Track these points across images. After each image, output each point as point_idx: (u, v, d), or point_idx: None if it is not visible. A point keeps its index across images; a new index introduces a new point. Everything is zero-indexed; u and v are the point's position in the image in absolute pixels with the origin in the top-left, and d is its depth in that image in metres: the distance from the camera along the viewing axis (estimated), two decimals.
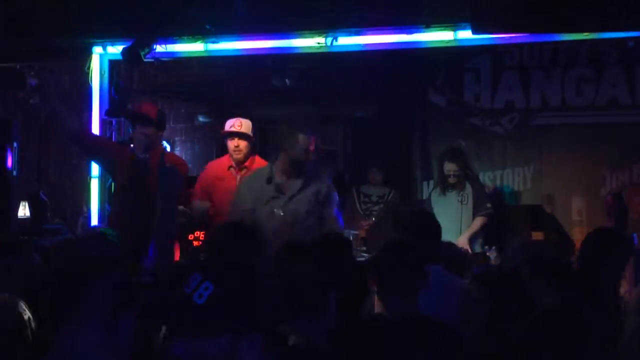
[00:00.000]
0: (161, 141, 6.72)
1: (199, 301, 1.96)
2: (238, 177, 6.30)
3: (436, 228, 4.36)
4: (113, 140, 7.56)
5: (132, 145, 6.48)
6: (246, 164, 6.35)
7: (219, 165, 6.53)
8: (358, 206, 8.17)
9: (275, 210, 5.40)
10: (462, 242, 6.84)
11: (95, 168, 7.69)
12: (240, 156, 6.32)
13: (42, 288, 1.95)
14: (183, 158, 10.16)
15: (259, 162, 6.33)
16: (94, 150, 6.48)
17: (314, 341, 2.43)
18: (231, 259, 2.11)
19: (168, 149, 10.07)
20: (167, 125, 10.37)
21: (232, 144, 6.35)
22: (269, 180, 5.48)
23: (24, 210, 7.83)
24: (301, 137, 5.45)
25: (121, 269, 1.98)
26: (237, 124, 6.33)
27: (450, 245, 5.07)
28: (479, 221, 7.20)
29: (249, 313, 1.95)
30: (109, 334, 1.93)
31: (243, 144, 6.33)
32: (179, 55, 7.58)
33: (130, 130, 7.63)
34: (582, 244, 4.24)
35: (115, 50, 7.53)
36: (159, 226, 5.53)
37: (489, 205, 7.30)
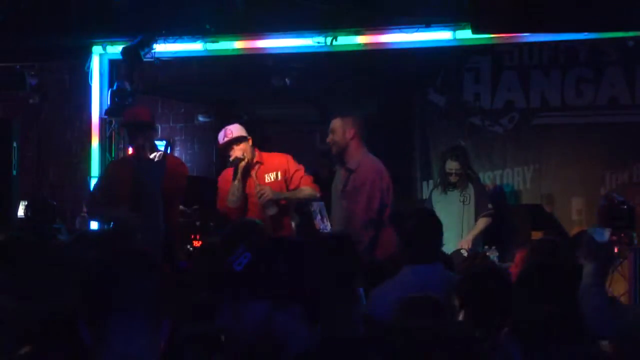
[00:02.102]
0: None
1: (237, 269, 2.11)
2: (254, 173, 6.26)
3: (439, 226, 4.35)
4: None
5: (131, 154, 6.43)
6: (256, 159, 6.30)
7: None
8: None
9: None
10: (465, 243, 6.79)
11: (95, 168, 7.70)
12: (248, 157, 6.26)
13: (85, 286, 1.92)
14: (183, 158, 10.19)
15: (267, 155, 6.31)
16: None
17: None
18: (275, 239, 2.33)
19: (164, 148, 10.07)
20: (167, 125, 10.42)
21: (233, 153, 6.29)
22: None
23: (24, 210, 7.84)
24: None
25: (160, 268, 1.98)
26: (228, 133, 6.28)
27: None
28: (482, 222, 7.13)
29: (285, 285, 2.09)
30: (154, 336, 1.92)
31: (242, 146, 6.27)
32: (179, 55, 7.58)
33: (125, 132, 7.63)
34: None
35: (115, 50, 7.54)
36: (145, 220, 5.56)
37: (490, 206, 7.26)
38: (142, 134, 6.13)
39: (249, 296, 2.07)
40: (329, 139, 6.02)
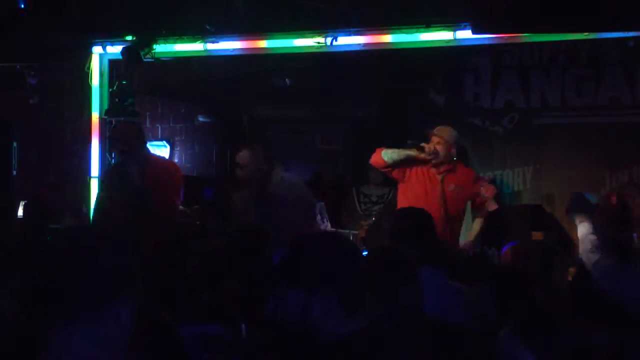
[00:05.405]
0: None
1: (274, 261, 2.44)
2: None
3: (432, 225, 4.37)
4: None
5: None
6: None
7: None
8: (358, 206, 8.17)
9: None
10: (466, 244, 6.77)
11: (95, 168, 7.70)
12: None
13: (33, 283, 1.88)
14: (183, 158, 10.18)
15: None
16: None
17: None
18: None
19: (168, 149, 10.07)
20: (167, 125, 10.40)
21: None
22: None
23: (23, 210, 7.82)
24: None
25: (111, 251, 1.85)
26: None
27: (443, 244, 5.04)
28: (478, 223, 7.11)
29: (319, 274, 2.26)
30: (102, 325, 1.80)
31: None
32: (179, 55, 7.58)
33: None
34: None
35: (115, 50, 7.54)
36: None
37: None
38: (131, 159, 5.87)
39: (287, 286, 2.28)
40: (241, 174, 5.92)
